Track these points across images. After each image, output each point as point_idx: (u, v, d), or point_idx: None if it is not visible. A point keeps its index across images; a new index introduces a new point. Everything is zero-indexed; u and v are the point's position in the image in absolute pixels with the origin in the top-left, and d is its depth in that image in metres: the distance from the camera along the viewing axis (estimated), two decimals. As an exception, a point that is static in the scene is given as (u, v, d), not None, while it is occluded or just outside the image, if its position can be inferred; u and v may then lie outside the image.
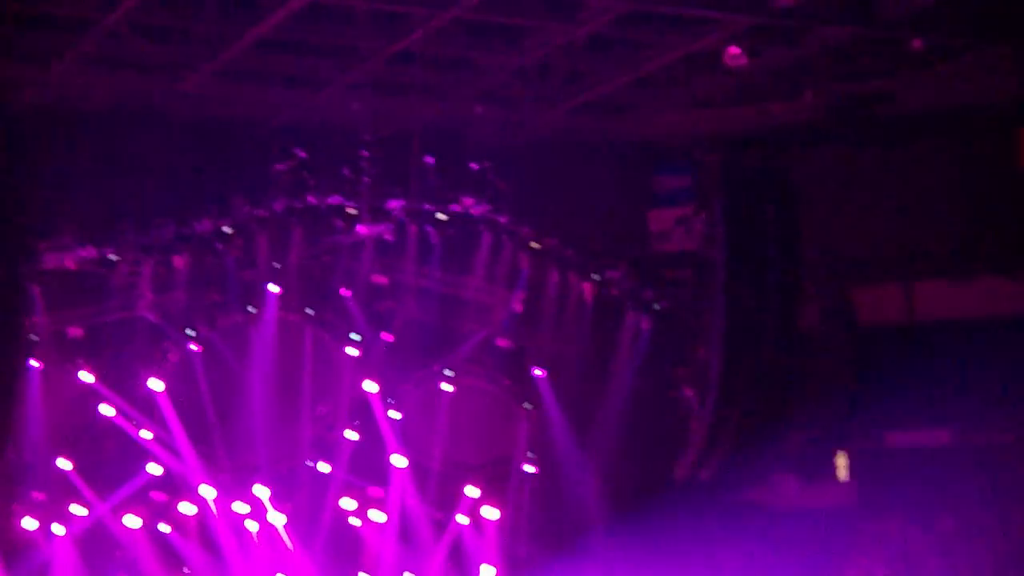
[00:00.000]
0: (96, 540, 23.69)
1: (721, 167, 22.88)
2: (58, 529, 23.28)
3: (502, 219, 24.01)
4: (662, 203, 24.84)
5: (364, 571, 24.94)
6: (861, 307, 24.21)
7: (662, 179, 24.81)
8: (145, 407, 23.44)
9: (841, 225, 24.09)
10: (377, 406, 24.28)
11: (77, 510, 23.25)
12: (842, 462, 24.16)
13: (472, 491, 24.80)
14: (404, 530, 24.92)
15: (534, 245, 24.05)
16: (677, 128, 23.75)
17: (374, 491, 24.85)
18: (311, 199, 23.68)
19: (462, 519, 25.23)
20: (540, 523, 24.41)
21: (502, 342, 24.75)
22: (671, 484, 23.42)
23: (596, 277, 24.13)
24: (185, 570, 24.24)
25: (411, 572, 24.87)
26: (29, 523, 23.09)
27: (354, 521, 24.84)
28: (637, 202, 25.02)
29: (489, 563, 25.02)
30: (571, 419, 24.37)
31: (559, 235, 24.19)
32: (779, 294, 22.40)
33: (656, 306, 24.03)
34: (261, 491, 24.17)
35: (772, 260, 22.41)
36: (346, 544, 24.87)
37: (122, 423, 23.27)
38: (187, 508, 23.89)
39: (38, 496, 23.14)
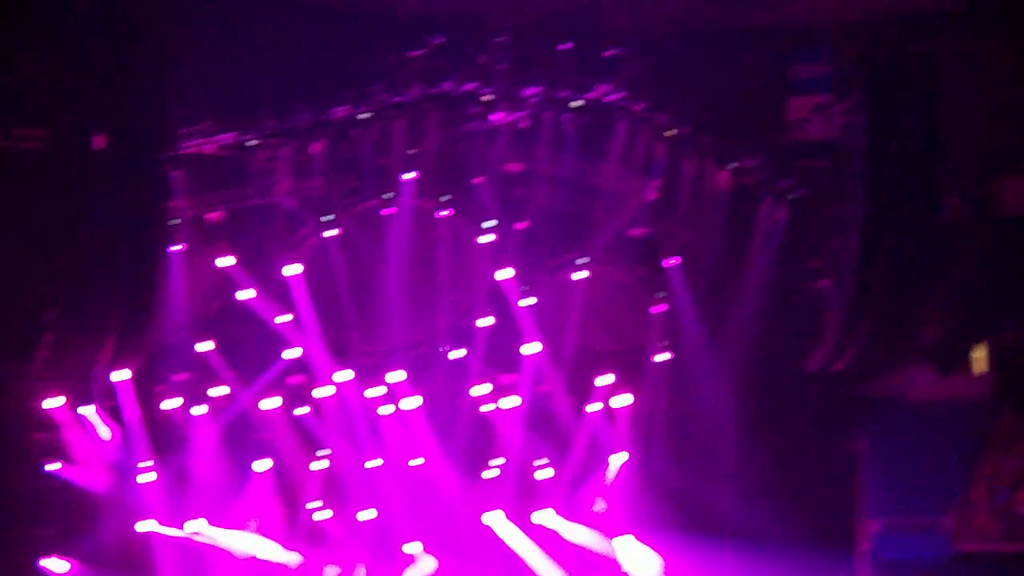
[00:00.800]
0: (235, 422, 27.30)
1: (862, 54, 25.73)
2: (199, 410, 27.72)
3: (637, 107, 25.81)
4: (800, 91, 27.69)
5: (496, 457, 28.55)
6: (1003, 198, 27.48)
7: (800, 66, 27.91)
8: (282, 292, 26.49)
9: (983, 114, 27.13)
10: (511, 294, 27.37)
11: (217, 392, 26.93)
12: (979, 355, 26.39)
13: (605, 379, 28.32)
14: (536, 417, 29.04)
15: (669, 133, 25.92)
16: (817, 14, 26.45)
17: (507, 378, 28.24)
18: (446, 86, 25.89)
19: (594, 407, 29.51)
20: (671, 413, 28.37)
21: (636, 231, 27.14)
22: (805, 376, 25.77)
23: (732, 166, 26.13)
24: (321, 453, 28.67)
25: (543, 459, 29.04)
26: (171, 404, 27.57)
27: (487, 407, 28.10)
28: (775, 90, 27.73)
29: (620, 451, 29.32)
30: (704, 309, 26.94)
31: (695, 123, 26.01)
32: (919, 183, 23.95)
33: (793, 195, 25.99)
34: (395, 376, 27.97)
35: (913, 149, 24.34)
36: (479, 430, 27.99)
37: (260, 307, 26.41)
38: (323, 392, 27.40)
39: (180, 378, 27.50)
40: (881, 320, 23.76)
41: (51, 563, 23.79)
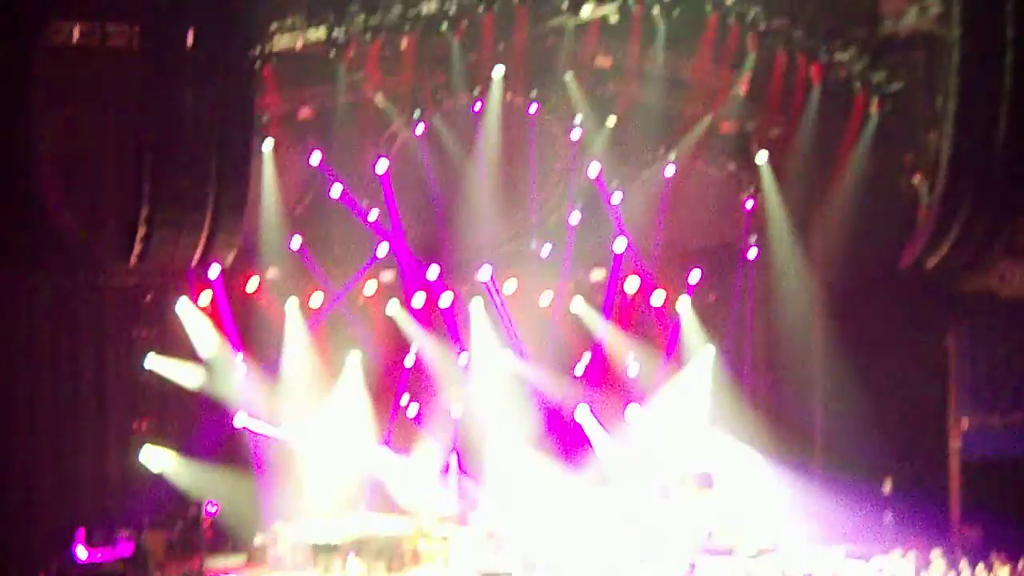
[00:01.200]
0: (328, 317, 27.77)
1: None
2: (292, 305, 28.19)
3: (728, -1, 24.97)
4: (895, -19, 27.46)
5: (581, 351, 28.75)
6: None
7: (895, -44, 27.45)
8: (372, 188, 26.85)
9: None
10: (601, 189, 27.47)
11: (310, 288, 27.30)
12: None
13: (694, 275, 28.21)
14: (621, 311, 28.87)
15: (761, 26, 25.44)
16: (913, -100, 26.22)
17: (596, 273, 28.66)
18: (535, -20, 24.55)
19: (684, 302, 29.63)
20: (761, 309, 28.36)
21: (727, 126, 27.00)
22: (898, 272, 25.39)
23: (825, 59, 25.51)
24: (413, 347, 29.04)
25: (631, 351, 29.14)
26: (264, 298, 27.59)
27: (577, 306, 28.87)
28: (869, -19, 27.59)
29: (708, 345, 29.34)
30: (796, 205, 26.85)
31: (787, 15, 25.44)
32: (1016, 76, 22.84)
33: (886, 89, 25.51)
34: (485, 272, 28.08)
35: (1010, 42, 22.97)
36: (566, 326, 28.68)
37: (350, 203, 26.63)
38: (414, 289, 27.48)
39: (272, 273, 27.69)
40: (975, 215, 23.21)
41: (148, 454, 23.90)
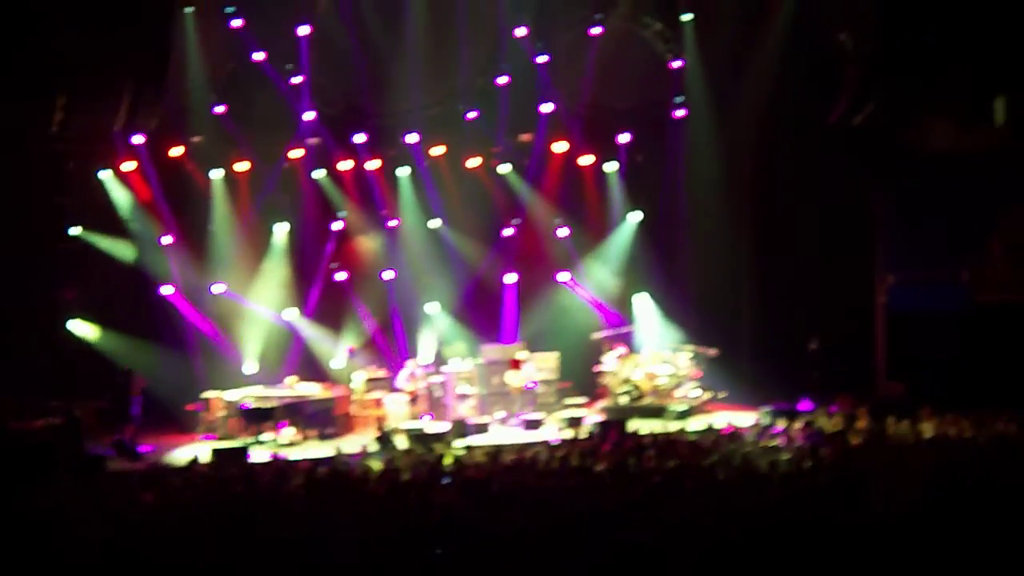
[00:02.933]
0: (256, 185, 27.73)
1: None
2: (216, 173, 28.04)
3: None
4: None
5: (509, 216, 28.88)
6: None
7: None
8: (294, 53, 26.44)
9: None
10: (528, 51, 27.03)
11: (235, 156, 27.28)
12: (1000, 105, 25.97)
13: (623, 136, 28.83)
14: (549, 174, 28.94)
15: None
16: None
17: (523, 136, 28.78)
18: None
19: (611, 165, 29.89)
20: (688, 169, 28.67)
21: None
22: (824, 130, 26.05)
23: None
24: (340, 214, 29.07)
25: (559, 216, 29.45)
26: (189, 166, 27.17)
27: (502, 169, 28.69)
28: None
29: (636, 209, 29.72)
30: (724, 64, 27.21)
31: None
32: None
33: None
34: (412, 137, 28.24)
35: None
36: (489, 188, 28.59)
37: (273, 69, 26.50)
38: (340, 155, 27.49)
39: (196, 139, 27.23)
40: (900, 69, 23.49)
41: (75, 325, 23.80)
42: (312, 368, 26.07)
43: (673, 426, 20.39)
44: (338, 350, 25.93)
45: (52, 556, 10.27)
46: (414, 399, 23.53)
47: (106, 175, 24.39)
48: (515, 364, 24.17)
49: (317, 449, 20.74)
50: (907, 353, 24.04)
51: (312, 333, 26.26)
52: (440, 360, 25.42)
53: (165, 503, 12.65)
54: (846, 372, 23.66)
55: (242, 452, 19.10)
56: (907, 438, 15.98)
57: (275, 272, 26.72)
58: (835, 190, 24.86)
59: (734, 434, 17.40)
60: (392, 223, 26.50)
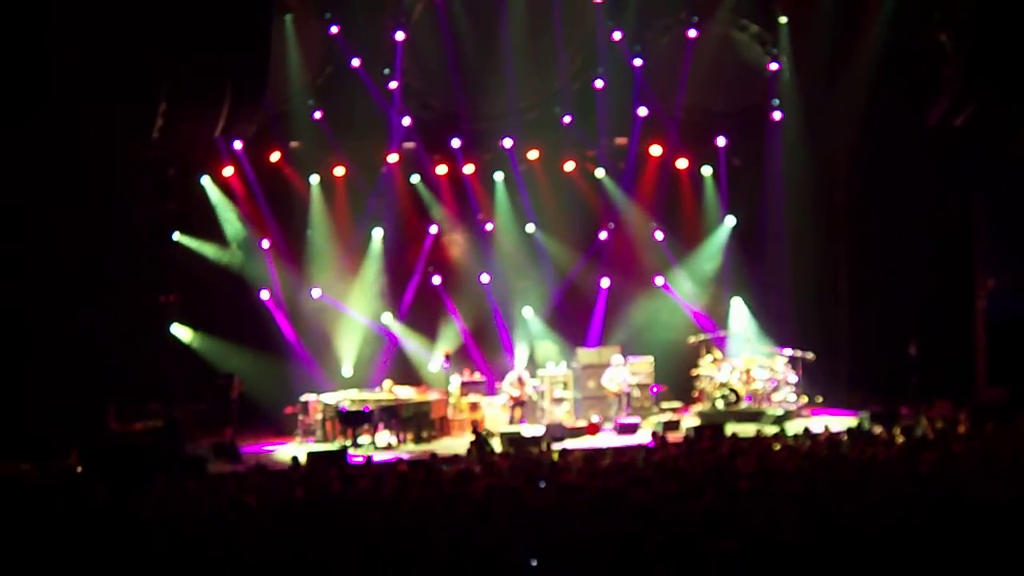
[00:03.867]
0: (352, 190, 28.02)
1: None
2: (314, 179, 28.29)
3: None
4: None
5: (605, 219, 29.01)
6: None
7: None
8: (391, 58, 26.75)
9: None
10: (624, 54, 27.16)
11: (332, 161, 27.60)
12: None
13: (719, 140, 28.46)
14: (644, 178, 29.14)
15: None
16: None
17: (620, 139, 28.65)
18: None
19: (707, 169, 29.78)
20: (786, 172, 28.50)
21: None
22: (924, 131, 25.71)
23: None
24: (436, 218, 29.27)
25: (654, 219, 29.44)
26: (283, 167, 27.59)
27: (598, 173, 28.59)
28: None
29: (732, 214, 29.62)
30: (821, 67, 26.91)
31: None
32: None
33: None
34: (507, 142, 27.96)
35: None
36: (584, 192, 28.91)
37: (370, 74, 26.70)
38: (436, 160, 27.81)
39: (294, 144, 27.54)
40: (1003, 74, 23.16)
41: (176, 329, 24.23)
42: (408, 372, 25.89)
43: (770, 430, 20.19)
44: (433, 354, 25.84)
45: (155, 558, 10.46)
46: (514, 403, 23.55)
47: (206, 181, 24.60)
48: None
49: (413, 452, 20.75)
50: (1009, 358, 23.49)
51: (408, 337, 26.12)
52: (535, 364, 25.33)
53: (266, 505, 12.82)
54: (946, 377, 23.20)
55: (340, 454, 19.27)
56: (1009, 442, 15.71)
57: (371, 276, 26.40)
58: (934, 193, 24.46)
59: (832, 439, 17.22)
60: (488, 227, 26.32)
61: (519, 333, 26.30)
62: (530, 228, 26.54)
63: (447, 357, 24.89)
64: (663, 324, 26.45)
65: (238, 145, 24.04)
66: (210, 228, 24.54)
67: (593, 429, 22.56)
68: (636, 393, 24.06)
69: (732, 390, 23.64)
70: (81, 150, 21.53)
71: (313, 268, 25.79)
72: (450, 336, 26.27)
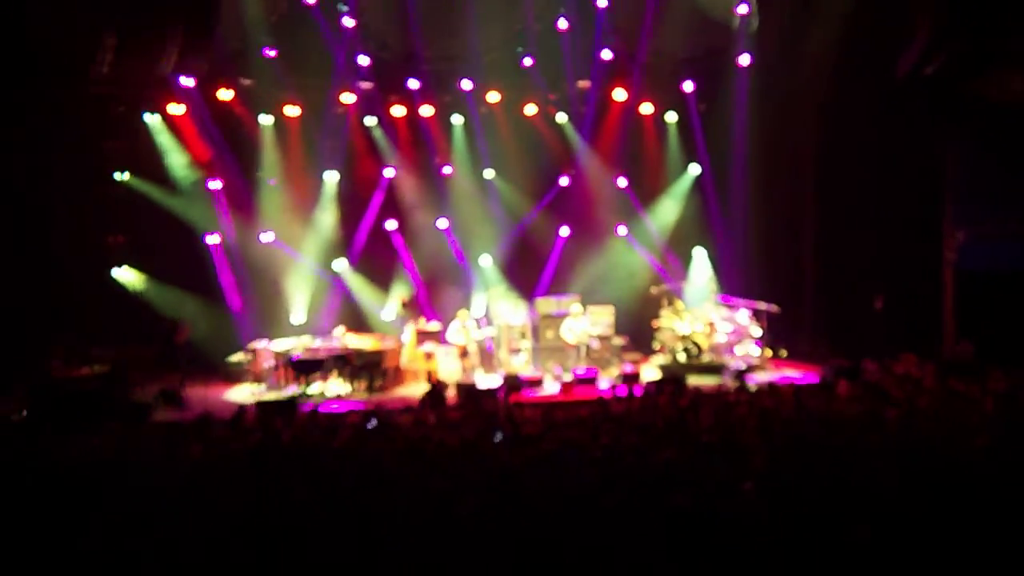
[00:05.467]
0: (306, 131, 27.21)
1: None
2: (266, 120, 27.50)
3: None
4: None
5: (566, 165, 28.73)
6: None
7: None
8: (347, -5, 26.06)
9: None
10: (588, -7, 25.61)
11: (286, 100, 26.99)
12: None
13: (686, 85, 28.23)
14: (608, 123, 28.68)
15: None
16: None
17: (582, 83, 28.13)
18: None
19: (672, 115, 29.54)
20: (753, 119, 28.37)
21: None
22: (895, 80, 25.38)
23: None
24: (390, 162, 28.81)
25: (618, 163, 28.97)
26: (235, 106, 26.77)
27: (560, 118, 28.30)
28: None
29: (697, 163, 29.53)
30: (791, 11, 26.49)
31: None
32: None
33: None
34: (467, 84, 27.41)
35: None
36: (540, 138, 28.36)
37: (323, 13, 26.02)
38: (392, 101, 27.43)
39: (247, 83, 27.01)
40: (968, 23, 23.08)
41: (121, 273, 24.01)
42: (361, 320, 25.84)
43: (732, 384, 20.21)
44: (388, 302, 25.73)
45: (97, 506, 10.34)
46: (465, 353, 23.48)
47: (153, 119, 24.24)
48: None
49: (366, 401, 20.66)
50: (977, 313, 23.57)
51: (361, 284, 25.98)
52: (492, 314, 25.27)
53: (213, 455, 12.70)
54: (913, 331, 23.27)
55: (290, 404, 19.14)
56: (975, 398, 15.75)
57: (324, 221, 26.19)
58: (904, 143, 24.43)
59: (795, 392, 17.24)
60: (445, 171, 26.17)
61: (475, 281, 25.93)
62: (488, 174, 25.90)
63: (403, 303, 24.68)
64: (624, 274, 26.35)
65: (188, 82, 23.37)
66: (157, 168, 23.90)
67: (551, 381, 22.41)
68: (595, 344, 23.88)
69: (694, 342, 23.53)
70: (24, 85, 20.86)
71: (264, 212, 24.94)
72: (405, 284, 25.83)
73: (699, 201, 26.78)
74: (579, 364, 23.63)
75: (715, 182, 26.70)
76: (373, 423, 14.30)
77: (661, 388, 19.09)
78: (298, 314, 25.36)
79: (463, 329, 23.65)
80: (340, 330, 23.39)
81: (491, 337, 24.09)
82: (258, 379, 22.96)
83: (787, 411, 14.75)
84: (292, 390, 21.95)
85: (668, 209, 27.07)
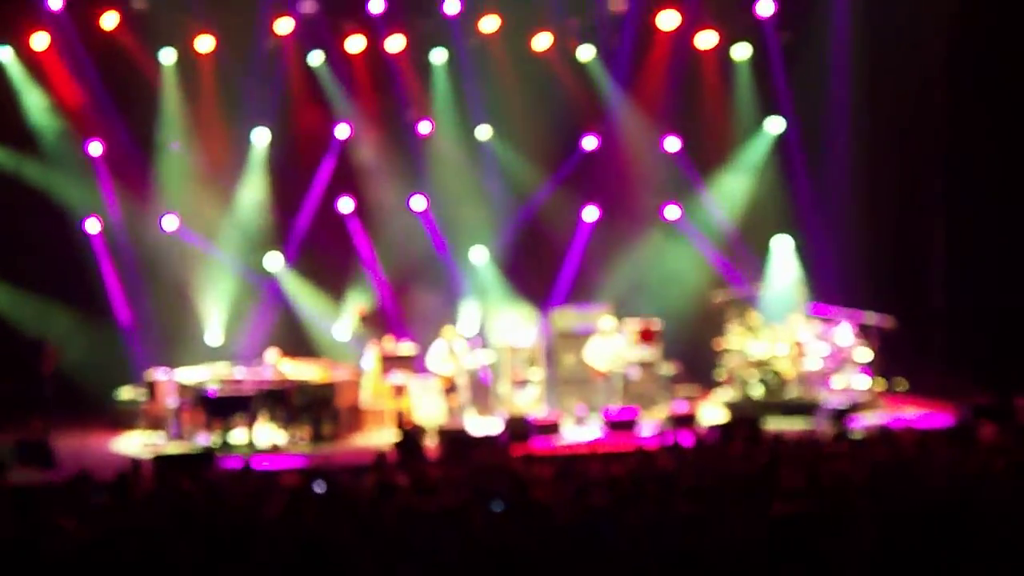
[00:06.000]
0: (224, 73, 27.42)
1: None
2: (167, 57, 27.31)
3: None
4: None
5: (591, 121, 29.02)
6: None
7: None
8: None
9: None
10: None
11: (195, 29, 26.78)
12: None
13: (763, 6, 27.49)
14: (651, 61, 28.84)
15: None
16: None
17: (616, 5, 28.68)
18: None
19: (743, 49, 29.05)
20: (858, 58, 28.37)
21: None
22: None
23: None
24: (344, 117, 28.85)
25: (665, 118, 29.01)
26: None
27: (583, 54, 28.53)
28: None
29: (779, 115, 29.53)
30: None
31: None
32: None
33: None
34: (452, 5, 27.44)
35: None
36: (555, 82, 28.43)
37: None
38: (347, 31, 27.59)
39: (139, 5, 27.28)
40: None
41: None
42: (302, 341, 26.30)
43: (829, 429, 20.23)
44: (341, 315, 25.83)
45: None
46: (452, 387, 23.50)
47: (6, 54, 24.36)
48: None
49: (311, 455, 20.70)
50: None
51: (303, 290, 26.10)
52: (489, 331, 25.31)
53: (91, 532, 12.67)
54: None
55: (203, 459, 19.15)
56: None
57: (250, 201, 26.26)
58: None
59: (920, 439, 17.24)
60: (421, 129, 26.25)
61: (465, 285, 26.02)
62: (482, 133, 26.02)
63: (362, 315, 24.79)
64: (675, 276, 26.47)
65: (56, 3, 23.42)
66: (11, 126, 23.97)
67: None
68: (635, 374, 23.88)
69: (775, 371, 23.54)
70: None
71: (166, 187, 25.05)
72: (365, 289, 25.92)
73: (781, 171, 26.48)
74: (612, 402, 23.59)
75: (804, 144, 26.41)
76: (320, 487, 14.27)
77: (728, 436, 19.08)
78: (214, 332, 25.35)
79: (448, 354, 23.61)
80: (273, 355, 23.39)
81: (488, 364, 24.03)
82: (156, 424, 22.95)
83: (908, 466, 14.71)
84: (205, 440, 21.87)
85: (737, 183, 26.92)
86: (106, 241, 24.33)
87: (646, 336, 24.13)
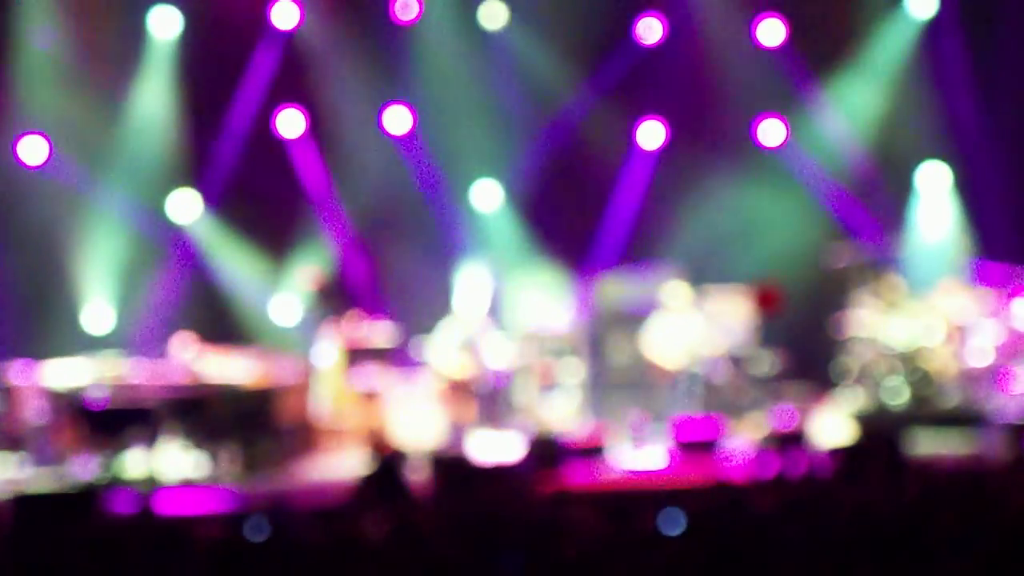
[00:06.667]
0: None
1: None
2: None
3: None
4: None
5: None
6: None
7: None
8: None
9: None
10: None
11: None
12: None
13: None
14: None
15: None
16: None
17: None
18: None
19: None
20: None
21: None
22: None
23: None
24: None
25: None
26: None
27: None
28: None
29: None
30: None
31: None
32: None
33: None
34: None
35: None
36: None
37: None
38: None
39: None
40: None
41: None
42: (228, 324, 25.87)
43: (1003, 450, 20.26)
44: (285, 286, 25.91)
45: None
46: (453, 389, 23.56)
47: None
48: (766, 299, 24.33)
49: (243, 490, 20.75)
50: None
51: (228, 248, 26.16)
52: (504, 311, 25.36)
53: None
54: None
55: (83, 497, 19.18)
56: None
57: (149, 115, 26.14)
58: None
59: None
60: (404, 12, 26.32)
61: (467, 242, 26.06)
62: (492, 15, 25.99)
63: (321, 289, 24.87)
64: (775, 226, 26.33)
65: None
66: None
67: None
68: (719, 371, 23.88)
69: (923, 367, 23.53)
70: None
71: (27, 97, 25.09)
72: (319, 250, 25.99)
73: (932, 73, 26.47)
74: (683, 411, 23.60)
75: (967, 31, 26.36)
76: (259, 534, 14.25)
77: (857, 462, 19.04)
78: (97, 311, 25.33)
79: (446, 344, 23.66)
80: (185, 344, 23.40)
81: (503, 360, 24.01)
82: (16, 444, 22.95)
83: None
84: (87, 467, 21.87)
85: (866, 91, 26.80)
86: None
87: (765, 302, 23.62)
